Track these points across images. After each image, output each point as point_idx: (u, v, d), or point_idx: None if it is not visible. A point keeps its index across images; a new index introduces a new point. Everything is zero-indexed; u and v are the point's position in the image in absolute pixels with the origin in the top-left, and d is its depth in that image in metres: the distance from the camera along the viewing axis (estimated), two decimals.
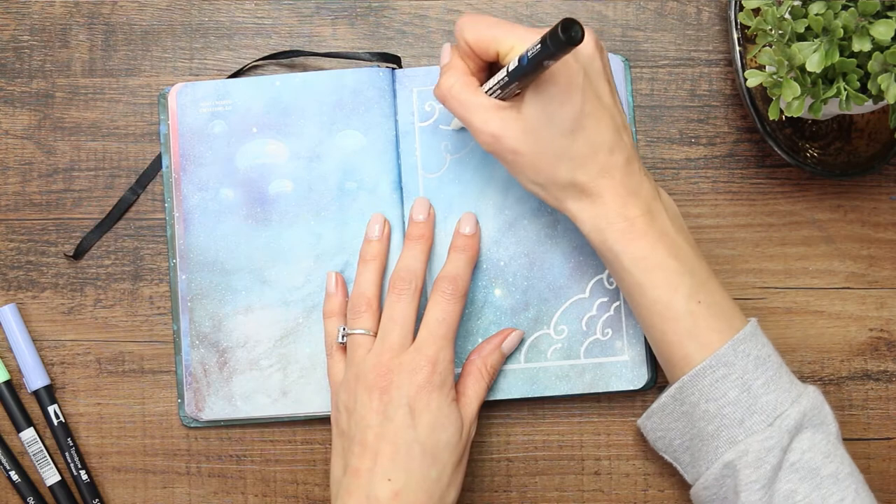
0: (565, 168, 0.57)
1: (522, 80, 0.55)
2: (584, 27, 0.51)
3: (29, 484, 0.67)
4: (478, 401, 0.63)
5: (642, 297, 0.58)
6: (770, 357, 0.59)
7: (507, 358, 0.66)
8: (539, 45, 0.52)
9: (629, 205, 0.58)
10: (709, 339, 0.57)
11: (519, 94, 0.58)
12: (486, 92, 0.58)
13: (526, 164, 0.58)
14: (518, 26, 0.58)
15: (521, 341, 0.67)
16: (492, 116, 0.58)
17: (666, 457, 0.63)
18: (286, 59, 0.70)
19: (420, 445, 0.58)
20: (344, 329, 0.64)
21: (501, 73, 0.57)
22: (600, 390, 0.67)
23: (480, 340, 0.66)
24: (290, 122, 0.68)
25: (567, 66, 0.55)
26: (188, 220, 0.68)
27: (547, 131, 0.57)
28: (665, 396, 0.60)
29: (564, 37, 0.50)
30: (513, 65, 0.55)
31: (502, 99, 0.58)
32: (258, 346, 0.67)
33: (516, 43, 0.57)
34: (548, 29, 0.52)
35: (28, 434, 0.68)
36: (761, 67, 0.64)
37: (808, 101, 0.60)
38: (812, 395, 0.58)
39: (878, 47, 0.56)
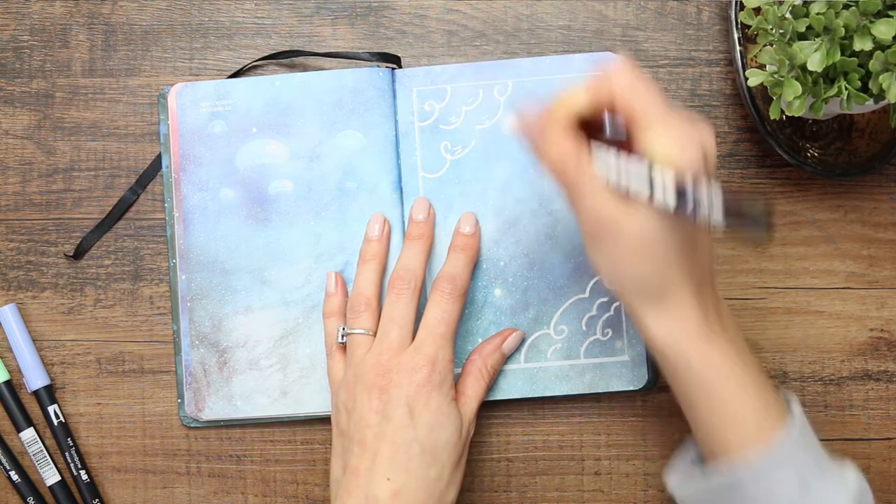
0: (661, 276, 0.53)
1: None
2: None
3: (29, 484, 0.67)
4: (477, 400, 0.63)
5: (709, 399, 0.56)
6: (815, 441, 0.57)
7: (507, 358, 0.66)
8: (723, 218, 0.45)
9: (708, 313, 0.55)
10: (768, 434, 0.55)
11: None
12: (599, 164, 0.52)
13: (621, 259, 0.53)
14: (678, 123, 0.50)
15: (522, 341, 0.67)
16: (605, 203, 0.51)
17: None
18: (286, 59, 0.70)
19: (419, 445, 0.58)
20: (343, 329, 0.64)
21: (640, 175, 0.49)
22: (600, 390, 0.67)
23: (480, 340, 0.66)
24: (289, 122, 0.68)
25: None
26: (188, 220, 0.68)
27: (663, 237, 0.52)
28: (715, 483, 0.57)
29: (764, 228, 0.44)
30: (670, 198, 0.48)
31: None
32: (258, 346, 0.67)
33: (665, 147, 0.50)
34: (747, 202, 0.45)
35: (28, 434, 0.68)
36: (762, 67, 0.64)
37: (809, 100, 0.60)
38: (855, 477, 0.57)
39: (880, 46, 0.56)
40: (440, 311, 0.61)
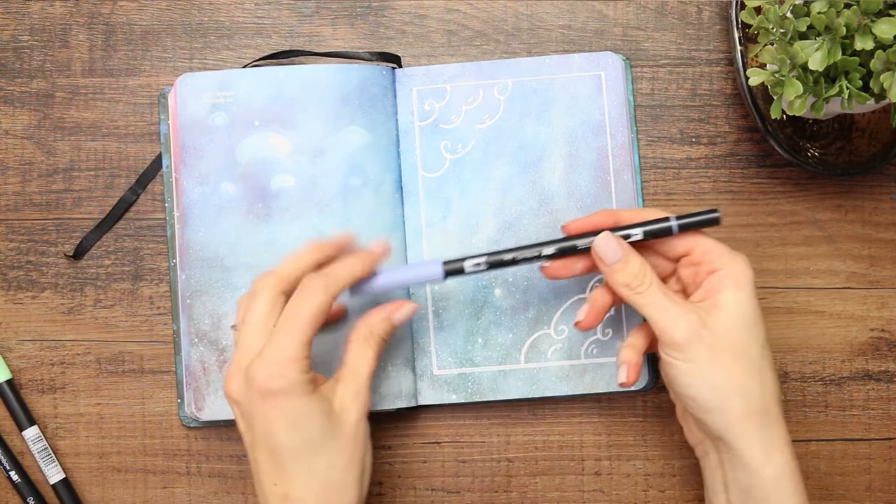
0: (761, 388, 0.56)
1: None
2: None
3: (29, 484, 0.67)
4: (364, 372, 0.58)
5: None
6: None
7: (507, 358, 0.66)
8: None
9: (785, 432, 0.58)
10: None
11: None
12: None
13: (715, 365, 0.56)
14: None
15: (521, 341, 0.66)
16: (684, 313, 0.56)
17: None
18: (286, 59, 0.70)
19: (287, 447, 0.55)
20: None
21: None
22: (601, 391, 0.66)
23: (480, 341, 0.66)
24: (293, 115, 0.67)
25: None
26: (188, 215, 0.67)
27: (744, 336, 0.57)
28: None
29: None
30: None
31: None
32: None
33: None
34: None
35: (32, 432, 0.67)
36: (763, 66, 0.64)
37: (810, 99, 0.60)
38: None
39: (881, 45, 0.56)
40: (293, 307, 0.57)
